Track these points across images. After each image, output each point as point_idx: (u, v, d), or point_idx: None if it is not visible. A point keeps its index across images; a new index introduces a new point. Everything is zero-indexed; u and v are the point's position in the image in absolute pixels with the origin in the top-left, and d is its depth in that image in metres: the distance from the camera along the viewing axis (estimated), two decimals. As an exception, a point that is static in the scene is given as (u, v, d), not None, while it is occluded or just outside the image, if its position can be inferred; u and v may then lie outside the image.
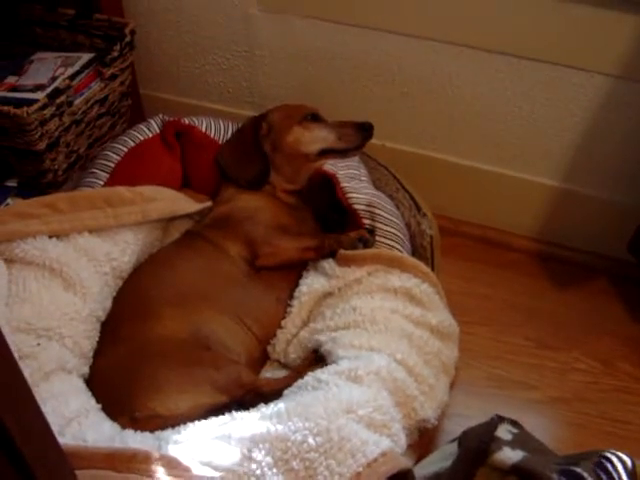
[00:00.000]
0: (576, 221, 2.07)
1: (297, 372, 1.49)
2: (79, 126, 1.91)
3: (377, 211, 1.71)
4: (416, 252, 1.76)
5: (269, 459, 1.16)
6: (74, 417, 1.30)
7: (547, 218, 2.10)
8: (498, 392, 1.74)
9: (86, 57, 1.94)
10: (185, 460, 1.16)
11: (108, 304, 1.59)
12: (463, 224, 2.18)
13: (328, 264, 1.62)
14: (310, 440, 1.17)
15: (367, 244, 1.64)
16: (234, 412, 1.30)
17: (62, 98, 1.78)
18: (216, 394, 1.37)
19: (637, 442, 1.63)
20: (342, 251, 1.62)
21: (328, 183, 1.78)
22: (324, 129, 1.81)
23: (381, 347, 1.44)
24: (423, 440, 1.46)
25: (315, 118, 1.83)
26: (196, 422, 1.29)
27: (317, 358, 1.52)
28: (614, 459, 1.24)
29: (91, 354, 1.51)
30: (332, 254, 1.63)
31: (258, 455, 1.16)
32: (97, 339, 1.53)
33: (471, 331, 1.82)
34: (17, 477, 0.66)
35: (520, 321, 1.92)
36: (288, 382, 1.42)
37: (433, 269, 1.71)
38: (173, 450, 1.19)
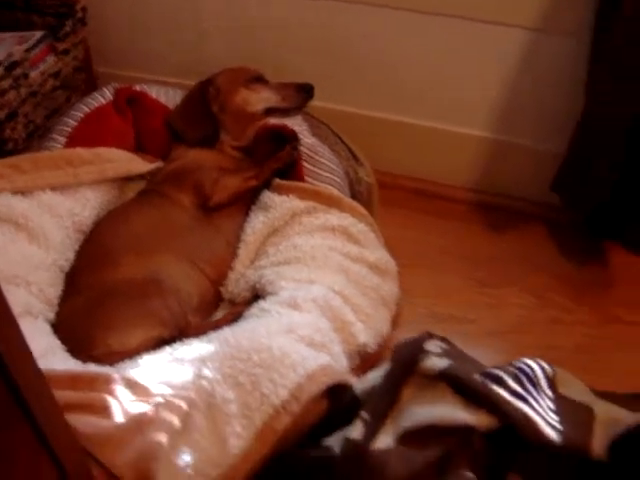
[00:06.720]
0: (508, 170, 2.17)
1: (224, 318, 1.62)
2: (36, 97, 2.01)
3: (317, 158, 1.84)
4: (354, 199, 1.85)
5: (218, 376, 1.26)
6: (43, 355, 1.38)
7: (481, 169, 2.20)
8: (439, 326, 1.77)
9: (40, 33, 2.04)
10: (143, 381, 1.27)
11: (70, 255, 1.69)
12: (401, 178, 2.27)
13: (267, 197, 1.77)
14: (254, 357, 1.27)
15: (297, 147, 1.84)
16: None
17: (19, 71, 1.88)
18: (162, 328, 1.50)
19: (567, 364, 1.74)
20: (280, 181, 1.79)
21: (274, 136, 1.91)
22: (268, 90, 1.94)
23: (319, 280, 1.56)
24: (365, 366, 1.54)
25: (259, 80, 1.95)
26: (150, 352, 1.40)
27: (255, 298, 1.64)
28: (534, 365, 1.34)
29: (56, 301, 1.60)
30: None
31: (208, 373, 1.26)
32: (61, 288, 1.63)
33: (411, 272, 1.88)
34: (10, 397, 0.74)
35: (460, 263, 2.02)
36: (213, 326, 1.54)
37: (372, 215, 1.81)
38: (132, 374, 1.30)
